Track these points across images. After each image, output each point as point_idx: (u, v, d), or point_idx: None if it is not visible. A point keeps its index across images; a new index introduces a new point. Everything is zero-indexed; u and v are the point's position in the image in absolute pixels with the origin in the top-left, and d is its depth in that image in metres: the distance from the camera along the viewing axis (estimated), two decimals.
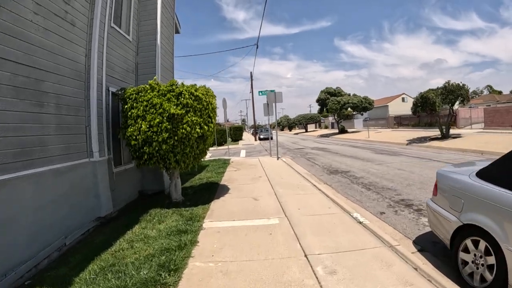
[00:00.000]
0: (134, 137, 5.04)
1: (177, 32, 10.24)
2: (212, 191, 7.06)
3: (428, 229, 4.02)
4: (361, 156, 13.35)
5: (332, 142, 25.15)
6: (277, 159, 12.51)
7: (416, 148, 15.97)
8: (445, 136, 18.12)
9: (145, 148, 5.05)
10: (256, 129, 37.23)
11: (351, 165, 10.89)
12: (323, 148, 19.43)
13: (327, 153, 15.58)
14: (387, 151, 15.02)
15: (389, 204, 5.75)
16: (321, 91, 34.76)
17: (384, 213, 5.26)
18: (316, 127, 71.14)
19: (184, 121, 5.01)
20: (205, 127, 5.33)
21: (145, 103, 5.01)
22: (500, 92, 61.61)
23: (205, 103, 5.35)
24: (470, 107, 31.41)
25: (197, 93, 5.26)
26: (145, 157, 5.15)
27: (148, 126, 4.92)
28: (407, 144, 18.08)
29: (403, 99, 54.97)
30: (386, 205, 5.71)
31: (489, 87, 72.43)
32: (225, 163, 11.79)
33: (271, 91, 12.35)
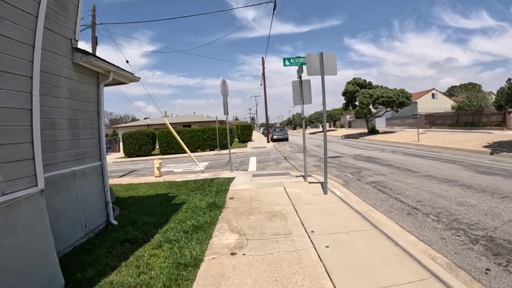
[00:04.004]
0: None
1: None
2: None
3: None
4: (467, 180, 7.40)
5: (371, 147, 18.99)
6: (325, 192, 6.31)
7: None
8: None
9: None
10: (269, 128, 31.48)
11: (497, 214, 5.02)
12: (371, 157, 13.47)
13: (393, 170, 9.59)
14: (488, 167, 9.19)
15: None
16: (348, 83, 28.60)
17: None
18: (330, 126, 64.81)
19: None
20: None
21: None
22: None
23: None
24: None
25: None
26: None
27: None
28: (490, 154, 12.45)
29: (433, 95, 48.30)
30: None
31: None
32: (215, 204, 5.69)
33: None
